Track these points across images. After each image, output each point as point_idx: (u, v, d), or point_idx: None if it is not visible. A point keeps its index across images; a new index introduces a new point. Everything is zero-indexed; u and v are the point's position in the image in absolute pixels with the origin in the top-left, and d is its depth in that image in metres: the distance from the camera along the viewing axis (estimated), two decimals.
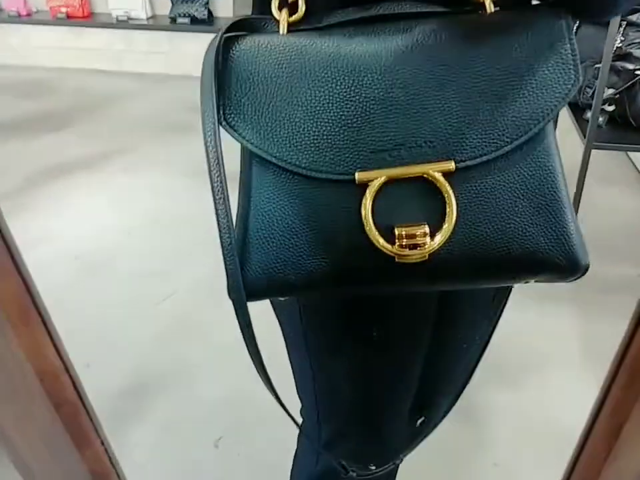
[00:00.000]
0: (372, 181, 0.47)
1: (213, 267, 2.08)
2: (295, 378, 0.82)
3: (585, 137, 2.00)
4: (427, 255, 0.47)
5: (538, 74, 0.48)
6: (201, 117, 0.47)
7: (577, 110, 2.20)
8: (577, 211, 2.03)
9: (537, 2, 0.52)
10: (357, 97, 0.47)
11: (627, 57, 2.09)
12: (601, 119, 2.02)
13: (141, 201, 2.61)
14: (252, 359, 0.54)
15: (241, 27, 0.52)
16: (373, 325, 0.67)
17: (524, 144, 0.47)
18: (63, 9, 4.13)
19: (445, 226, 0.47)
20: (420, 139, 0.47)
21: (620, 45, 2.20)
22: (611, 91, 2.05)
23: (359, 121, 0.47)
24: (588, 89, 2.11)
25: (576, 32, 2.47)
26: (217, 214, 0.47)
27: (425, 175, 0.47)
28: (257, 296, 0.51)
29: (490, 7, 0.50)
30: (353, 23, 0.51)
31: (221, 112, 0.49)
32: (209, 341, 1.81)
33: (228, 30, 0.51)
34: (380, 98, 0.47)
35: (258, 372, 0.56)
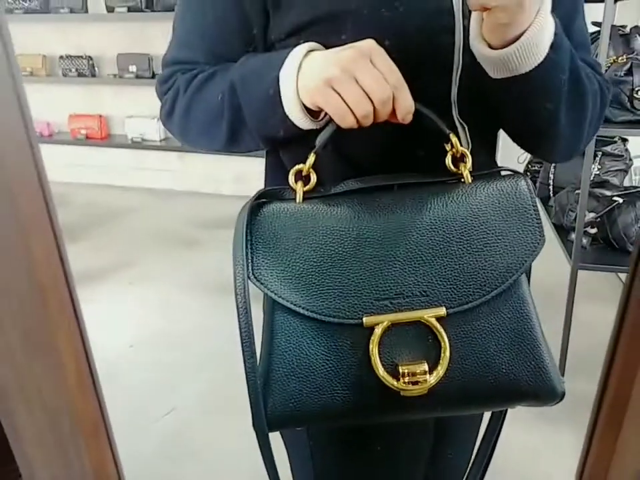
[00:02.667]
0: (377, 324, 0.56)
1: (215, 383, 2.11)
2: None
3: (571, 258, 2.11)
4: (426, 389, 0.56)
5: (509, 234, 0.59)
6: (233, 271, 0.56)
7: (562, 232, 2.33)
8: (568, 331, 2.08)
9: (507, 172, 0.64)
10: (362, 256, 0.58)
11: (605, 184, 2.25)
12: (584, 240, 2.14)
13: (146, 314, 2.67)
14: None
15: (266, 195, 0.63)
16: (376, 440, 0.74)
17: (502, 292, 0.58)
18: (83, 131, 4.43)
19: (441, 363, 0.56)
20: (416, 289, 0.57)
21: (598, 172, 2.38)
22: (592, 214, 2.18)
23: (365, 274, 0.57)
24: (571, 212, 2.25)
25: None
26: (244, 356, 0.55)
27: (422, 320, 0.57)
28: (277, 427, 0.59)
29: (468, 179, 0.61)
30: (355, 192, 0.62)
31: (250, 267, 0.58)
32: (204, 458, 1.80)
33: (256, 198, 0.62)
34: (381, 256, 0.58)
35: None
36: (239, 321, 0.55)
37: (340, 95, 0.56)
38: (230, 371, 2.21)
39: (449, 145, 0.62)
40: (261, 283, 0.58)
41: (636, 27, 2.29)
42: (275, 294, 0.58)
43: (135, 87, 4.34)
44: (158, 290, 2.89)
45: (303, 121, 0.61)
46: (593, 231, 2.18)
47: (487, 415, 0.72)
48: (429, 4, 0.62)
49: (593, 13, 2.25)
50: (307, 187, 0.62)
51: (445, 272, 0.57)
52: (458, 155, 0.61)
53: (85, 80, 4.35)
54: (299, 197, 0.62)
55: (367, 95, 0.55)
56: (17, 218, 0.29)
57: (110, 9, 3.99)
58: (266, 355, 0.59)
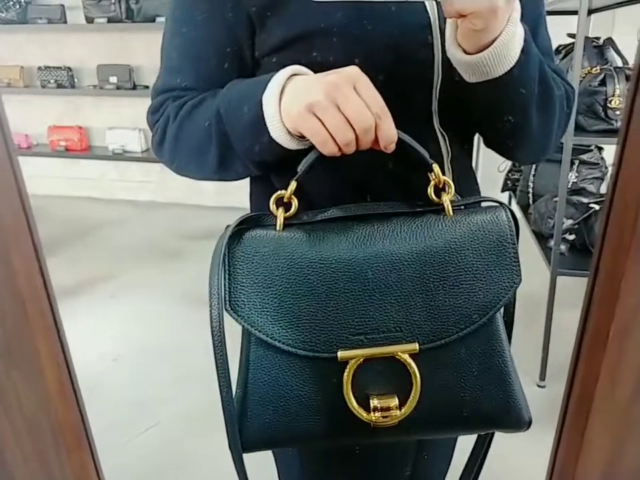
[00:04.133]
0: (351, 359, 0.57)
1: (199, 397, 2.09)
2: None
3: (550, 264, 2.14)
4: (397, 421, 0.57)
5: (486, 272, 0.58)
6: (209, 301, 0.56)
7: (542, 239, 2.36)
8: (548, 336, 2.11)
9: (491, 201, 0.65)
10: (338, 289, 0.58)
11: (582, 191, 2.30)
12: (563, 247, 2.18)
13: (128, 327, 2.65)
14: None
15: (246, 222, 0.63)
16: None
17: (476, 329, 0.58)
18: (63, 143, 4.39)
19: (411, 397, 0.57)
20: (390, 325, 0.58)
21: (575, 180, 2.43)
22: (570, 221, 2.22)
23: (341, 308, 0.58)
24: (549, 220, 2.29)
25: (536, 168, 2.72)
26: (219, 385, 0.56)
27: (395, 355, 0.57)
28: (252, 449, 0.60)
29: (449, 210, 0.61)
30: (337, 220, 0.62)
31: (227, 297, 0.58)
32: (187, 472, 1.78)
33: (237, 224, 0.61)
34: (357, 290, 0.58)
35: None
36: (215, 352, 0.56)
37: (322, 122, 0.56)
38: (213, 384, 2.19)
39: (432, 173, 0.61)
40: (238, 315, 0.58)
41: (609, 38, 2.34)
42: (251, 326, 0.58)
43: (115, 98, 4.33)
44: (140, 303, 2.87)
45: (289, 142, 0.61)
46: (571, 237, 2.22)
47: None
48: (407, 21, 0.64)
49: (567, 24, 2.31)
50: (289, 214, 0.62)
51: (420, 308, 0.58)
52: (440, 185, 0.61)
53: (64, 91, 4.31)
54: (279, 224, 0.61)
55: (349, 122, 0.55)
56: None
57: (89, 20, 3.98)
58: (242, 382, 0.60)
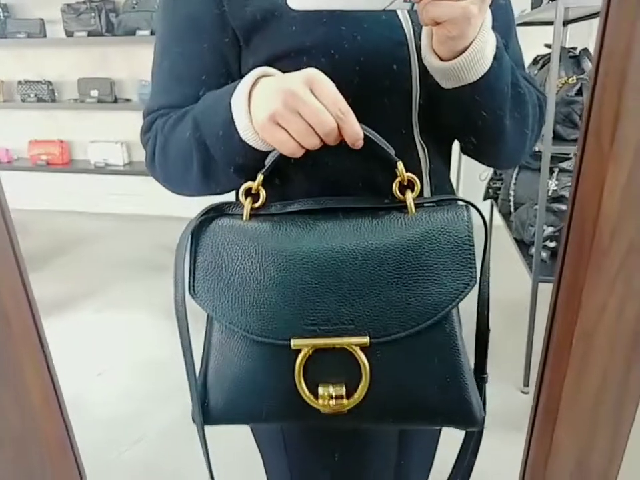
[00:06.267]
0: (303, 347, 0.59)
1: (185, 411, 2.08)
2: None
3: (531, 271, 2.17)
4: (345, 410, 0.59)
5: (441, 271, 0.59)
6: (174, 286, 0.60)
7: (523, 246, 2.39)
8: (531, 342, 2.14)
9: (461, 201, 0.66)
10: (296, 280, 0.60)
11: (562, 199, 2.33)
12: (544, 254, 2.21)
13: (113, 342, 2.63)
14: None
15: (214, 210, 0.66)
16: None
17: (429, 326, 0.59)
18: (44, 157, 4.37)
19: (359, 388, 0.59)
20: (343, 317, 0.59)
21: (555, 188, 2.46)
22: (551, 229, 2.26)
23: (297, 299, 0.60)
24: (530, 227, 2.32)
25: (517, 176, 2.76)
26: (185, 362, 0.63)
27: (346, 347, 0.59)
28: (213, 422, 0.65)
29: (411, 209, 0.62)
30: (303, 212, 0.64)
31: (192, 282, 0.62)
32: None
33: (203, 214, 0.65)
34: (314, 282, 0.60)
35: None
36: (180, 331, 0.61)
37: (287, 130, 0.57)
38: None
39: (397, 170, 0.63)
40: (200, 299, 0.62)
41: (585, 49, 2.39)
42: (212, 311, 0.62)
43: (97, 111, 4.31)
44: (126, 317, 2.85)
45: (259, 144, 0.62)
46: (552, 244, 2.25)
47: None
48: (385, 37, 0.66)
49: (545, 35, 2.35)
50: (257, 204, 0.64)
51: (374, 303, 0.59)
52: (405, 183, 0.62)
53: (44, 105, 4.29)
54: (246, 213, 0.64)
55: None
56: None
57: (69, 34, 3.97)
58: (205, 362, 0.64)
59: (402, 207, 0.62)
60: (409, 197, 0.62)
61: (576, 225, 0.28)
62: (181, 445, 1.92)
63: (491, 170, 2.99)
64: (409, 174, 0.63)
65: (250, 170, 0.67)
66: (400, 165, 0.62)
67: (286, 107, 0.56)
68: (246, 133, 0.61)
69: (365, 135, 0.59)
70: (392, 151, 0.63)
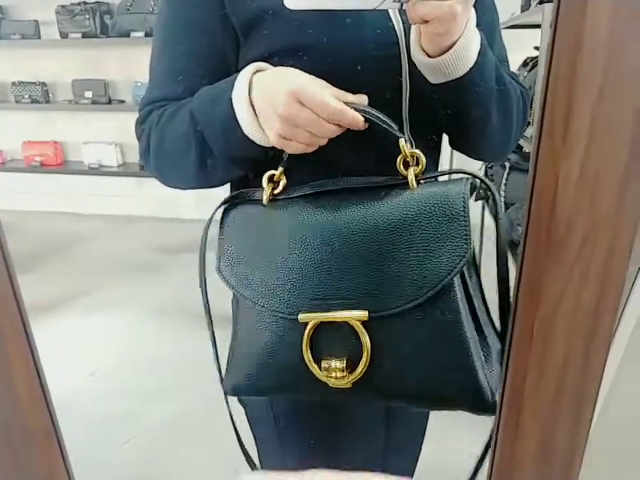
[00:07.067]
0: (309, 321, 0.63)
1: (177, 411, 2.09)
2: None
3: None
4: (349, 384, 0.62)
5: (437, 244, 0.59)
6: (198, 265, 0.70)
7: (513, 245, 2.41)
8: None
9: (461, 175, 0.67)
10: (304, 258, 0.63)
11: None
12: None
13: (106, 342, 2.63)
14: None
15: (236, 197, 0.72)
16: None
17: (429, 300, 0.59)
18: (38, 158, 4.37)
19: (362, 362, 0.61)
20: (344, 292, 0.62)
21: None
22: None
23: (305, 275, 0.63)
24: (519, 227, 2.34)
25: (507, 177, 2.78)
26: (210, 335, 0.73)
27: (347, 321, 0.61)
28: (237, 393, 0.71)
29: (413, 183, 0.63)
30: (313, 195, 0.67)
31: (219, 263, 0.69)
32: None
33: (227, 201, 0.71)
34: (318, 259, 0.63)
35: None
36: (204, 304, 0.72)
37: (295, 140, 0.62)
38: (190, 397, 2.19)
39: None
40: (225, 279, 0.68)
41: None
42: (234, 288, 0.68)
43: (91, 112, 4.32)
44: (118, 317, 2.85)
45: (261, 138, 0.65)
46: None
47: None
48: (376, 36, 0.69)
49: (536, 37, 2.37)
50: (278, 190, 0.68)
51: (373, 277, 0.61)
52: (408, 159, 0.64)
53: (38, 106, 4.30)
54: (266, 198, 0.68)
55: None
56: None
57: (64, 35, 3.98)
58: (233, 336, 0.71)
59: (405, 184, 0.63)
60: (411, 172, 0.63)
61: (534, 218, 0.29)
62: (173, 444, 1.92)
63: (482, 170, 3.01)
64: (412, 150, 0.63)
65: (248, 162, 0.70)
66: (401, 142, 0.63)
67: (286, 124, 0.61)
68: (248, 127, 0.65)
69: (365, 119, 0.62)
70: (395, 127, 0.63)
